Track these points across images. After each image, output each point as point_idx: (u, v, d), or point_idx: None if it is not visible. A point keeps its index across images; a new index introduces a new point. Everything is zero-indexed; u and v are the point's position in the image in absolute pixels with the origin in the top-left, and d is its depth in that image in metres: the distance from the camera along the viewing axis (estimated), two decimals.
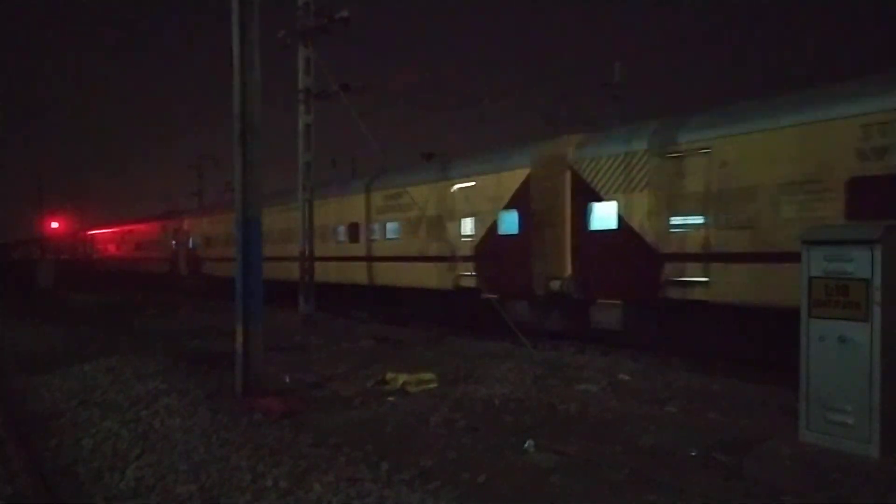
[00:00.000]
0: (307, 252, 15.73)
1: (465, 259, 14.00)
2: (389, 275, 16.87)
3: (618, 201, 11.28)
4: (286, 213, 20.28)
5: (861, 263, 5.43)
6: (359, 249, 18.09)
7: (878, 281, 5.33)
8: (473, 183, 13.94)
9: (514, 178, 12.89)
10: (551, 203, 12.39)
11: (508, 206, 13.03)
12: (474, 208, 13.93)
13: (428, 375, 8.49)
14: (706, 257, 9.85)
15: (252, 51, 7.85)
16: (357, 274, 18.06)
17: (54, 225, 53.80)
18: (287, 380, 8.76)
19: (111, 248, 43.06)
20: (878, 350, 5.32)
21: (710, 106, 10.80)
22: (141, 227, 36.32)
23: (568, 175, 12.22)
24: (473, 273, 13.87)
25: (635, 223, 10.94)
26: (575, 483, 5.00)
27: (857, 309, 5.44)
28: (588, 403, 7.27)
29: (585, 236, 11.91)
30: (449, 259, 14.34)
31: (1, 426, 6.95)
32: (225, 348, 9.91)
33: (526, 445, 5.82)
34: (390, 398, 7.70)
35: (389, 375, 8.50)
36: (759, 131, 9.37)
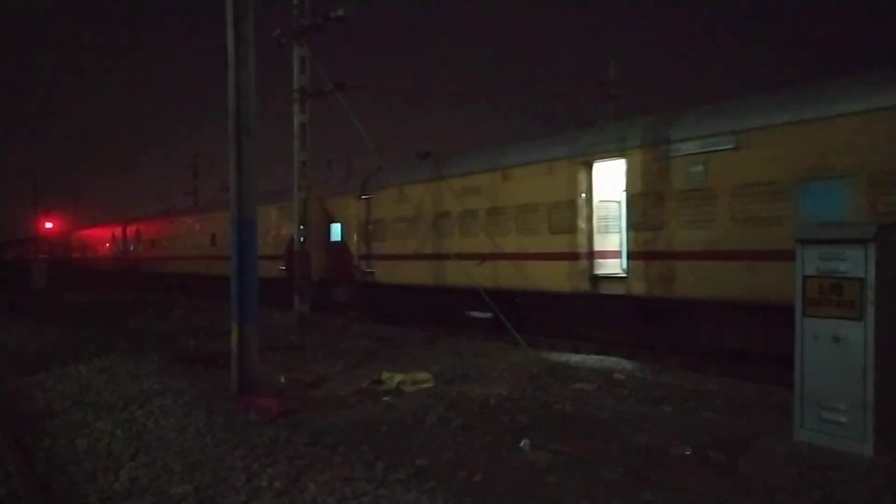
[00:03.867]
0: (301, 251, 15.71)
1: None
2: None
3: (340, 224, 19.07)
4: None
5: (855, 262, 5.45)
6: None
7: (871, 280, 5.35)
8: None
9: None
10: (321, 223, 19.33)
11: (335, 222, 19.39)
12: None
13: (423, 375, 8.48)
14: (376, 257, 17.29)
15: (247, 50, 7.83)
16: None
17: (48, 225, 53.74)
18: (282, 379, 8.74)
19: (81, 249, 48.10)
20: (872, 349, 5.34)
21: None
22: (100, 231, 43.23)
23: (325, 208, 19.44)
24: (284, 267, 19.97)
25: (345, 237, 18.67)
26: (570, 482, 5.00)
27: (852, 308, 5.46)
28: (583, 402, 7.28)
29: (328, 245, 19.38)
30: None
31: None
32: (220, 348, 9.90)
33: (522, 444, 5.82)
34: (386, 398, 7.70)
35: (385, 375, 8.49)
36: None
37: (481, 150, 15.33)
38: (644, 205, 10.88)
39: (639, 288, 11.01)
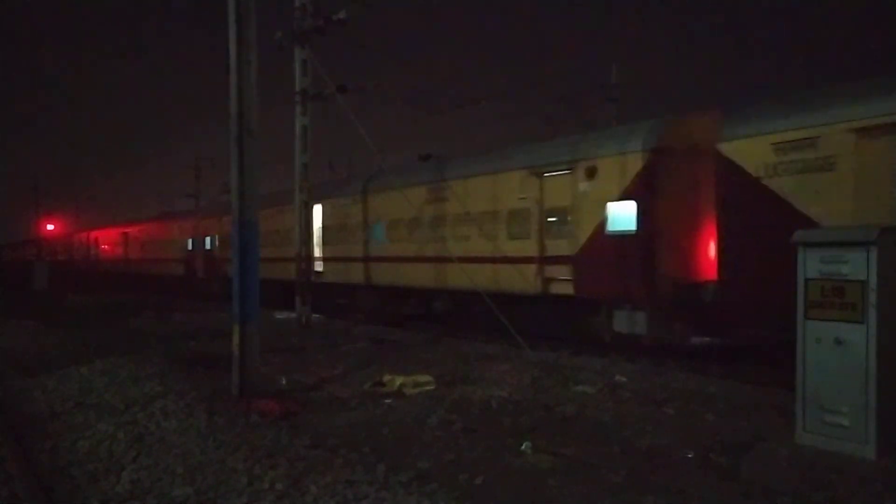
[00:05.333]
0: (303, 253, 15.72)
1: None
2: None
3: (209, 238, 26.36)
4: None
5: (857, 265, 5.44)
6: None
7: (873, 282, 5.35)
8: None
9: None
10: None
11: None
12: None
13: (425, 377, 8.48)
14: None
15: (249, 52, 7.84)
16: None
17: (49, 227, 53.91)
18: (284, 381, 8.74)
19: (67, 251, 52.25)
20: (874, 351, 5.33)
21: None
22: (99, 233, 45.86)
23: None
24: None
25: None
26: (572, 485, 5.00)
27: (854, 310, 5.45)
28: (585, 405, 7.28)
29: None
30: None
31: None
32: (221, 350, 9.90)
33: (523, 447, 5.82)
34: (387, 400, 7.69)
35: (386, 377, 8.48)
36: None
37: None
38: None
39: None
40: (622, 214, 10.74)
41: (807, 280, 5.77)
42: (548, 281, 12.02)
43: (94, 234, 45.01)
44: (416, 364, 9.78)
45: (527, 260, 12.35)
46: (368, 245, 16.87)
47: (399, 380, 8.30)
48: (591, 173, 11.17)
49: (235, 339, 7.79)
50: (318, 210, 18.30)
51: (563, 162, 11.74)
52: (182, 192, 46.31)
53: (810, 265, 5.76)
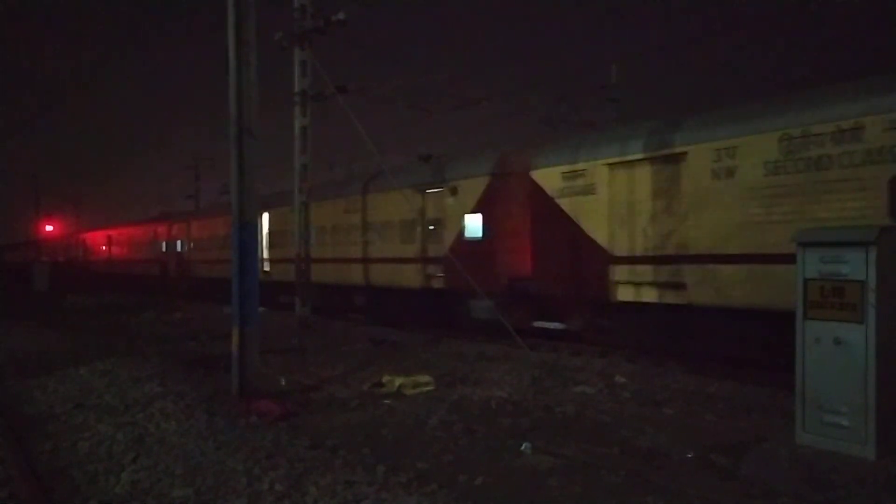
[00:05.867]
0: (303, 254, 15.72)
1: None
2: None
3: (180, 241, 30.02)
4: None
5: (856, 265, 5.44)
6: None
7: (873, 283, 5.35)
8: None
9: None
10: None
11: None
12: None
13: (425, 378, 8.48)
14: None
15: (248, 53, 7.84)
16: None
17: (49, 228, 53.94)
18: (283, 382, 8.74)
19: (65, 252, 54.30)
20: (874, 351, 5.34)
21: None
22: (97, 234, 47.92)
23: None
24: None
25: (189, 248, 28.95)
26: (572, 485, 5.00)
27: (853, 310, 5.45)
28: (585, 405, 7.28)
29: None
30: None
31: None
32: (221, 351, 9.91)
33: (523, 448, 5.82)
34: (387, 401, 7.69)
35: (386, 378, 8.48)
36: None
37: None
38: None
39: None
40: (473, 224, 13.74)
41: (806, 280, 5.77)
42: (428, 277, 15.00)
43: (84, 236, 48.14)
44: (415, 365, 9.78)
45: (414, 260, 15.43)
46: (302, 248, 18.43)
47: (399, 380, 8.30)
48: (455, 191, 14.23)
49: (235, 339, 7.79)
50: (266, 217, 21.67)
51: (438, 182, 14.74)
52: (182, 193, 46.38)
53: (809, 265, 5.76)
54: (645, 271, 10.61)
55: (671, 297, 10.25)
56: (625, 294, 10.98)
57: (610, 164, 10.99)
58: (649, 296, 10.63)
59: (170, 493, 4.99)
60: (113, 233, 41.16)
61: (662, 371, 9.45)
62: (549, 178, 12.10)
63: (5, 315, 18.67)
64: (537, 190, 12.30)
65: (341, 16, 13.98)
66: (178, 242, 30.10)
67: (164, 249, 31.57)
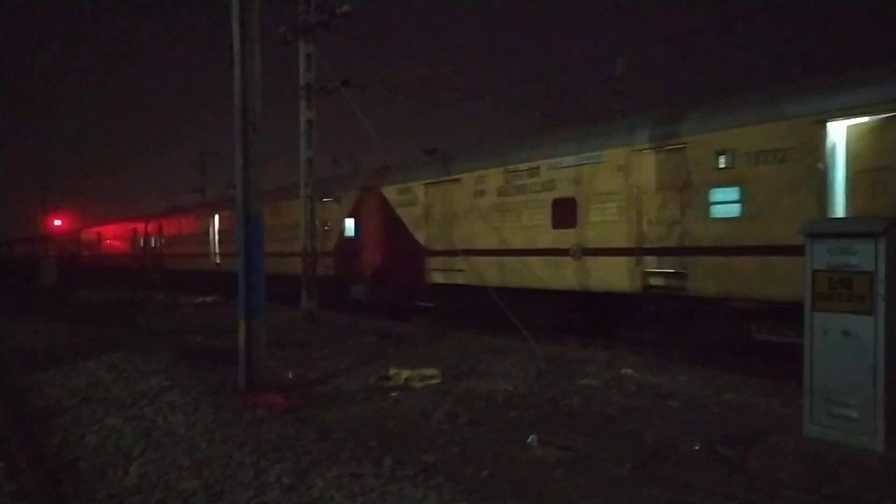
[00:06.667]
0: (309, 248, 15.77)
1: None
2: None
3: (155, 237, 33.78)
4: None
5: (865, 256, 5.41)
6: None
7: (882, 274, 5.31)
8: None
9: None
10: None
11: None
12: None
13: (431, 371, 8.48)
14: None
15: (253, 47, 7.82)
16: None
17: (57, 223, 54.19)
18: (290, 375, 8.76)
19: (71, 247, 55.62)
20: (882, 343, 5.30)
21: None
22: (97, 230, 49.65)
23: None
24: None
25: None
26: (578, 478, 4.99)
27: (861, 302, 5.42)
28: (591, 398, 7.27)
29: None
30: None
31: (5, 423, 6.96)
32: (227, 345, 9.92)
33: (529, 440, 5.82)
34: (393, 394, 7.70)
35: (392, 371, 8.49)
36: None
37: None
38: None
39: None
40: (350, 226, 18.25)
41: (814, 272, 5.73)
42: (325, 268, 18.47)
43: (82, 232, 51.42)
44: (421, 358, 9.79)
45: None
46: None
47: (405, 373, 8.31)
48: (339, 201, 18.66)
49: (241, 333, 7.80)
50: (216, 218, 26.21)
51: (330, 194, 18.69)
52: (188, 188, 46.38)
53: (818, 257, 5.72)
54: (443, 262, 14.99)
55: (459, 279, 14.43)
56: (437, 278, 15.20)
57: (426, 184, 15.30)
58: (446, 279, 14.92)
59: (177, 486, 5.01)
60: (103, 229, 45.16)
61: (669, 363, 9.43)
62: (391, 192, 16.50)
63: (14, 310, 18.79)
64: (384, 202, 16.76)
65: (346, 8, 13.91)
66: (153, 238, 34.43)
67: (142, 245, 35.59)
